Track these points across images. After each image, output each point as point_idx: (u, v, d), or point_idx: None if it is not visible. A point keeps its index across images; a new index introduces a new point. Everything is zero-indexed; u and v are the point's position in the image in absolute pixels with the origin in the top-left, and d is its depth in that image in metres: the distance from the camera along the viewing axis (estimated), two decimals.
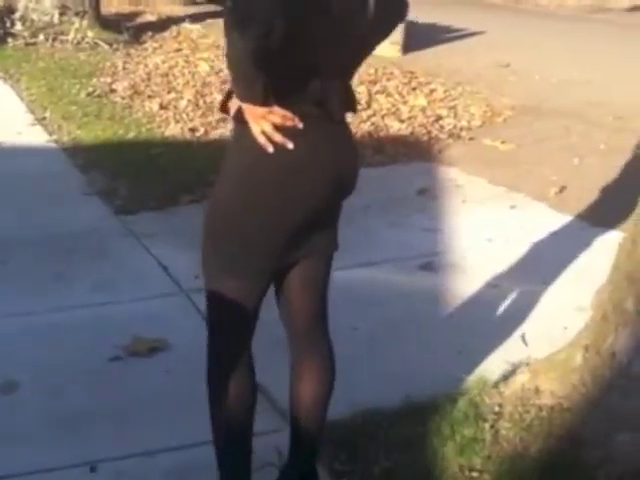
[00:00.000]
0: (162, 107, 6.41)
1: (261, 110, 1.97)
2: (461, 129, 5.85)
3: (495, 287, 3.79)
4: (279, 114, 1.97)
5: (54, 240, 4.33)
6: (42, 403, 3.03)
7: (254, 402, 2.26)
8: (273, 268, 2.15)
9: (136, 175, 5.10)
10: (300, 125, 1.99)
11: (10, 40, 8.58)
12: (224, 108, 2.11)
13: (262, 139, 2.00)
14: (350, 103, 2.14)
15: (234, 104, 2.05)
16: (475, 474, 2.49)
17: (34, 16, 8.95)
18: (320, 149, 2.06)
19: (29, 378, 3.16)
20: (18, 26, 8.80)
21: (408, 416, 2.84)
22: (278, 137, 1.99)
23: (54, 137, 5.98)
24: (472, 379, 2.98)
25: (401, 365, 3.22)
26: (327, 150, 2.07)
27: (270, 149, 1.99)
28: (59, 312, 3.65)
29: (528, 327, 3.44)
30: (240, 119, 2.03)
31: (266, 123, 1.98)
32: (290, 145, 1.99)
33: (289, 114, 1.98)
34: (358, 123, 5.87)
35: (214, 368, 2.23)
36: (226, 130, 5.63)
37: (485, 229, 4.41)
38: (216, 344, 2.20)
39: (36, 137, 5.97)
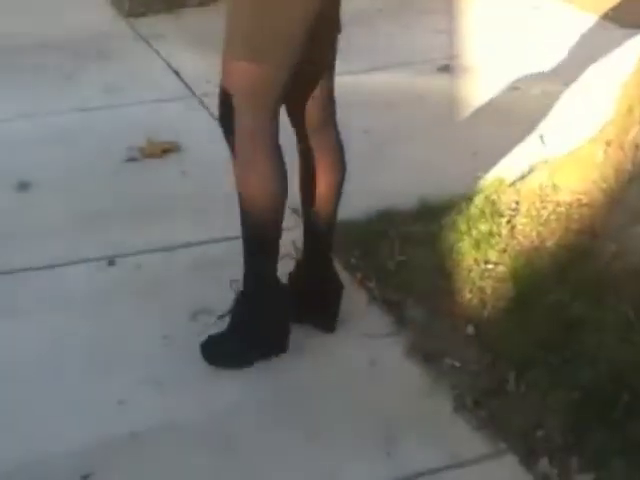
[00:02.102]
0: None
1: None
2: None
3: (515, 89, 3.72)
4: None
5: (63, 43, 4.23)
6: (57, 201, 3.04)
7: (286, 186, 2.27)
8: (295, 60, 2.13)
9: None
10: None
11: None
12: None
13: None
14: None
15: None
16: (490, 266, 2.52)
17: None
18: None
19: (44, 178, 3.16)
20: None
21: (422, 215, 2.86)
22: None
23: None
24: (488, 178, 2.97)
25: (415, 167, 3.20)
26: None
27: None
28: (71, 113, 3.62)
29: (547, 128, 3.39)
30: None
31: None
32: None
33: None
34: None
35: (245, 149, 2.21)
36: None
37: (506, 30, 4.28)
38: (244, 121, 2.19)
39: None
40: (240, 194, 2.24)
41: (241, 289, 2.32)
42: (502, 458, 2.06)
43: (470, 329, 2.38)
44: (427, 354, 2.34)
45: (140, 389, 2.27)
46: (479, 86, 3.77)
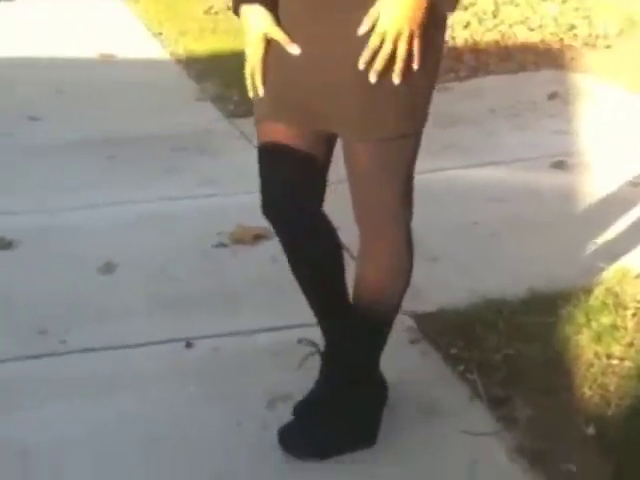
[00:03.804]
0: None
1: None
2: (597, 37, 5.40)
3: (635, 186, 3.42)
4: None
5: (165, 139, 4.19)
6: (141, 284, 2.87)
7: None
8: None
9: None
10: None
11: None
12: None
13: None
14: None
15: None
16: (615, 361, 2.19)
17: None
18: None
19: (129, 260, 3.01)
20: None
21: (533, 306, 2.56)
22: None
23: (169, 50, 5.87)
24: (610, 270, 2.65)
25: (526, 259, 2.91)
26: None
27: None
28: (165, 202, 3.50)
29: None
30: None
31: None
32: None
33: None
34: (483, 32, 5.50)
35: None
36: None
37: (622, 132, 4.02)
38: None
39: (151, 51, 5.88)
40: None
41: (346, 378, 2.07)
42: None
43: (590, 430, 2.03)
44: (537, 456, 2.00)
45: None
46: (595, 182, 3.49)
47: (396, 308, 2.06)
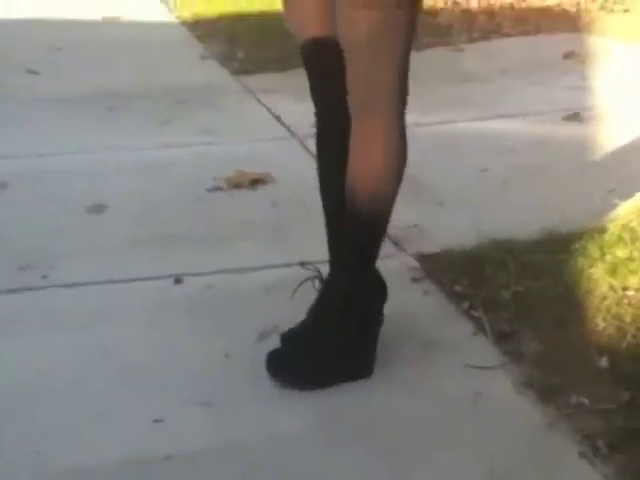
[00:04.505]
0: None
1: None
2: (614, 1, 5.23)
3: None
4: None
5: (166, 93, 4.05)
6: (130, 224, 2.73)
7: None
8: None
9: (255, 41, 4.77)
10: None
11: None
12: None
13: None
14: None
15: None
16: (630, 292, 2.03)
17: None
18: None
19: (119, 203, 2.87)
20: None
21: (545, 245, 2.41)
22: None
23: (175, 14, 5.74)
24: (625, 207, 2.50)
25: (538, 204, 2.75)
26: None
27: None
28: (161, 149, 3.35)
29: None
30: None
31: None
32: None
33: None
34: None
35: None
36: None
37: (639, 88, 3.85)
38: None
39: (157, 14, 5.75)
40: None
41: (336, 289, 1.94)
42: None
43: (604, 362, 1.87)
44: (545, 389, 1.85)
45: (185, 409, 1.86)
46: (610, 133, 3.33)
47: (389, 207, 1.90)
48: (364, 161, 1.83)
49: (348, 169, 1.85)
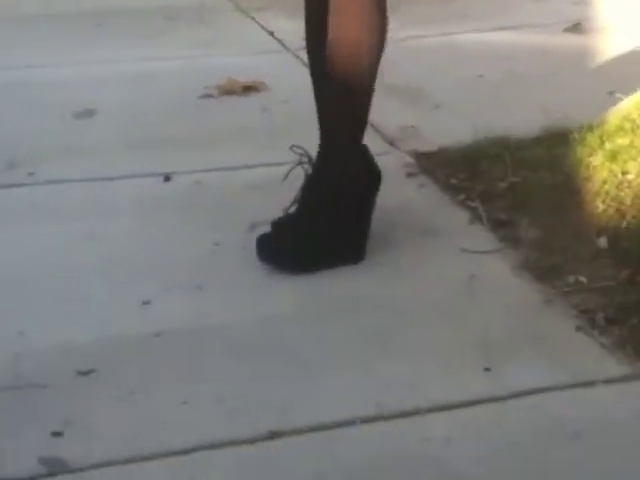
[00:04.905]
0: None
1: None
2: None
3: None
4: None
5: (157, 10, 3.93)
6: (119, 127, 2.67)
7: None
8: None
9: None
10: None
11: None
12: None
13: None
14: None
15: None
16: (631, 176, 1.97)
17: None
18: None
19: (110, 109, 2.80)
20: None
21: (543, 140, 2.35)
22: None
23: None
24: (626, 100, 2.43)
25: (535, 104, 2.66)
26: None
27: None
28: (152, 61, 3.27)
29: None
30: None
31: None
32: None
33: None
34: None
35: None
36: None
37: None
38: None
39: None
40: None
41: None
42: None
43: (602, 242, 1.83)
44: (543, 270, 1.80)
45: (174, 292, 1.82)
46: (610, 43, 3.26)
47: (367, 77, 1.84)
48: (339, 30, 1.77)
49: (327, 40, 1.79)
